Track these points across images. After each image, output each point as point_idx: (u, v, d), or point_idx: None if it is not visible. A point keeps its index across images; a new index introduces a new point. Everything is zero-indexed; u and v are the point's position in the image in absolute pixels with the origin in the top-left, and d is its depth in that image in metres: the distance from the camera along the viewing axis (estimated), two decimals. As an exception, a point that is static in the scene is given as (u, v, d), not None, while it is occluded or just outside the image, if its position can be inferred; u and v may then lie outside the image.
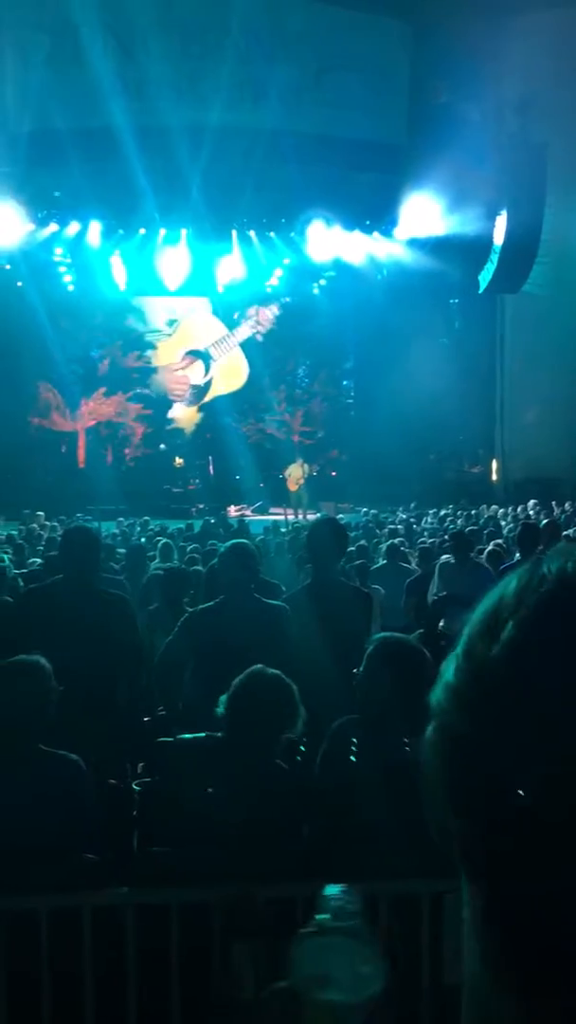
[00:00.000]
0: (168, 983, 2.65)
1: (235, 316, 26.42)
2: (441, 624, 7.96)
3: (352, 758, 2.94)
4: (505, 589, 0.60)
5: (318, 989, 0.93)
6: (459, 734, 0.58)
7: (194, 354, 26.67)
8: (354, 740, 2.97)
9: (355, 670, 3.02)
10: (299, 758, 3.47)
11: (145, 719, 4.77)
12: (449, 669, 0.61)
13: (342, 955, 0.93)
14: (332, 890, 0.96)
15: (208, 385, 26.90)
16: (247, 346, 26.37)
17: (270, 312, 26.18)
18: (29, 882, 2.72)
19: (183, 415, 27.23)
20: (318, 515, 20.84)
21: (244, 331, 26.55)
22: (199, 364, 26.78)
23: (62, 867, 2.83)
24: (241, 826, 2.79)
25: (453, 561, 8.01)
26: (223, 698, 3.03)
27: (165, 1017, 2.64)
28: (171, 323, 26.55)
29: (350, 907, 0.95)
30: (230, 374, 26.85)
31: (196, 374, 26.81)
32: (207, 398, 26.90)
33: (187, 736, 3.11)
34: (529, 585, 0.59)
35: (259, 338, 26.35)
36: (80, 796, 3.08)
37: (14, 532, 14.89)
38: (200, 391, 26.85)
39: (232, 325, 26.53)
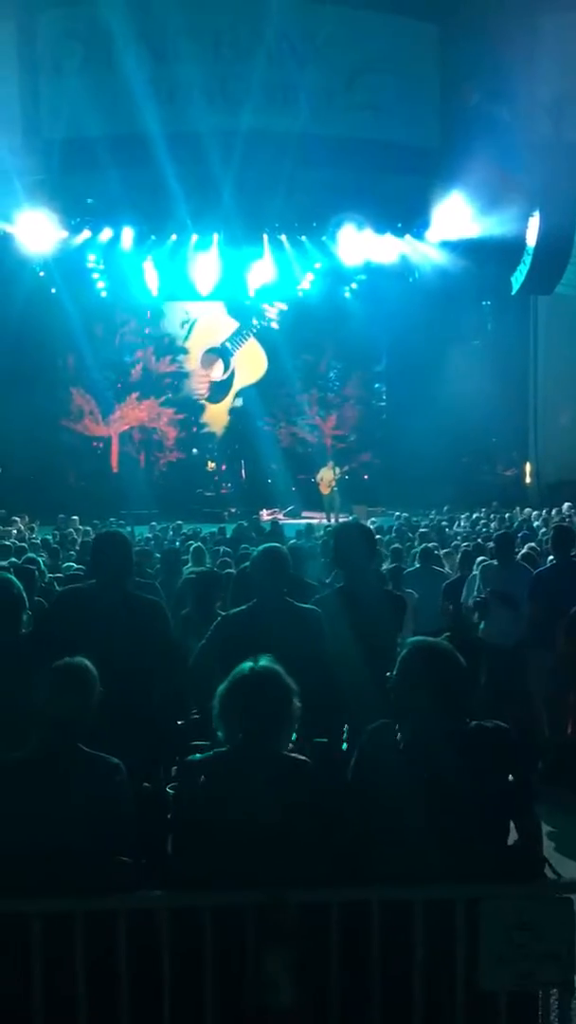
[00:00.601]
0: (202, 987, 2.65)
1: (253, 322, 26.60)
2: (481, 627, 7.92)
3: (386, 762, 2.92)
4: None
5: None
6: None
7: (213, 352, 26.87)
8: (388, 744, 2.95)
9: (388, 673, 3.01)
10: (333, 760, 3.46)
11: (180, 722, 4.78)
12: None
13: None
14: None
15: (230, 379, 27.03)
16: (276, 345, 26.36)
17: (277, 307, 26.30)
18: (66, 884, 2.74)
19: (215, 419, 27.34)
20: (351, 518, 20.85)
21: (256, 322, 26.71)
22: (219, 361, 26.97)
23: (98, 870, 2.84)
24: (271, 830, 2.78)
25: (496, 563, 7.97)
26: (216, 699, 3.05)
27: (199, 1021, 2.64)
28: (184, 323, 26.75)
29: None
30: (250, 365, 26.97)
31: (216, 371, 27.01)
32: (232, 392, 26.99)
33: (204, 755, 3.12)
34: None
35: (274, 326, 26.37)
36: (119, 799, 3.09)
37: (48, 537, 15.02)
38: (223, 386, 27.00)
39: (245, 320, 26.66)
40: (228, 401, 27.05)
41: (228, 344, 26.86)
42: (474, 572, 8.30)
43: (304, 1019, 2.57)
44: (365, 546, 4.75)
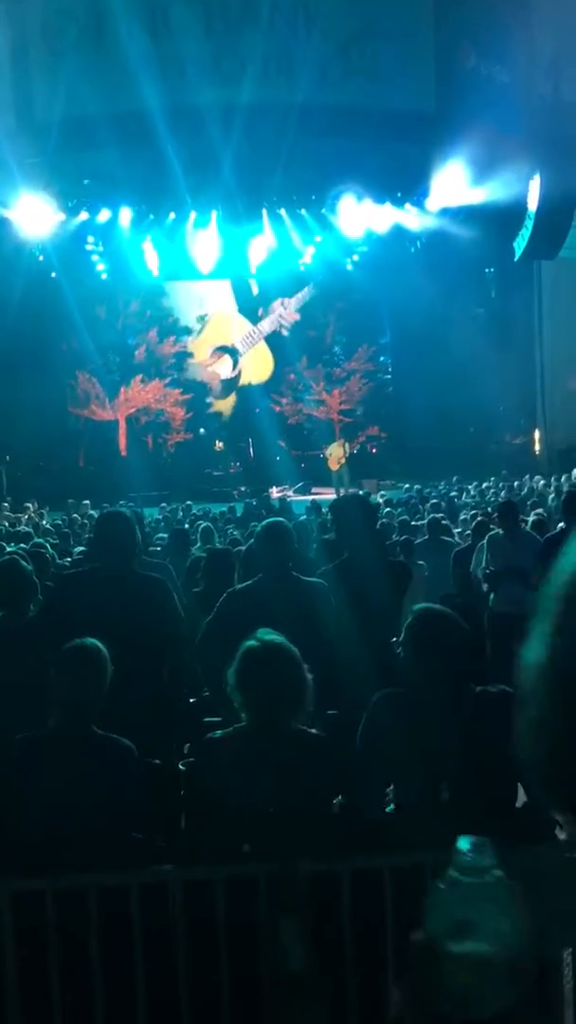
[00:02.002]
0: (217, 957, 2.67)
1: (259, 312, 26.59)
2: (491, 598, 7.91)
3: (393, 729, 2.93)
4: None
5: (456, 941, 0.90)
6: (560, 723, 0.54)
7: (222, 350, 26.95)
8: (394, 711, 2.95)
9: (394, 639, 3.00)
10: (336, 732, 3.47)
11: (191, 700, 4.80)
12: (535, 649, 0.56)
13: (481, 907, 0.90)
14: (464, 843, 0.92)
15: (237, 378, 27.18)
16: (276, 333, 26.42)
17: (294, 304, 26.28)
18: (79, 861, 2.76)
19: (223, 401, 27.40)
20: (360, 493, 20.81)
21: (267, 325, 26.75)
22: (227, 359, 27.02)
23: (111, 847, 2.86)
24: (279, 801, 2.79)
25: (501, 532, 7.92)
26: (230, 673, 3.04)
27: (215, 989, 2.66)
28: (201, 318, 26.80)
29: (486, 861, 0.91)
30: (257, 366, 27.27)
31: (225, 369, 27.08)
32: (235, 389, 27.20)
33: (220, 733, 3.11)
34: None
35: (284, 332, 26.46)
36: (131, 781, 3.11)
37: (59, 522, 15.07)
38: (229, 384, 27.14)
39: (256, 319, 26.67)
40: (232, 397, 27.18)
41: (238, 344, 26.94)
42: (482, 542, 8.27)
43: (318, 986, 2.59)
44: (363, 517, 4.73)
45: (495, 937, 0.89)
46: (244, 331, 27.04)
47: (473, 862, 0.92)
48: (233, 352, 27.09)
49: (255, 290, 26.76)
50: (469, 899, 0.90)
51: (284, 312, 26.45)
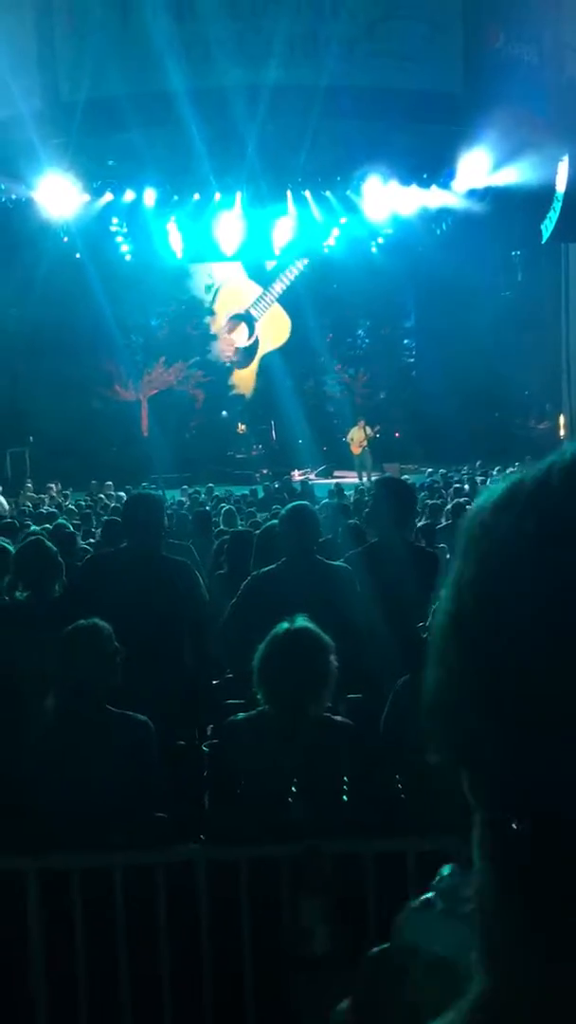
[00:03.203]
0: (240, 936, 2.70)
1: (268, 266, 26.32)
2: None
3: (417, 715, 2.93)
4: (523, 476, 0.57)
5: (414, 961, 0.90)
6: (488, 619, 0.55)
7: (237, 318, 26.81)
8: (418, 697, 2.95)
9: (421, 624, 3.00)
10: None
11: (215, 681, 4.83)
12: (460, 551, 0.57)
13: (451, 934, 0.90)
14: (447, 869, 0.92)
15: (255, 345, 26.99)
16: (303, 303, 26.21)
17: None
18: (101, 840, 2.79)
19: (243, 381, 27.31)
20: (383, 476, 20.75)
21: (279, 286, 26.57)
22: (243, 326, 26.90)
23: (133, 826, 2.89)
24: (302, 785, 2.81)
25: None
26: (256, 658, 3.04)
27: (238, 968, 2.69)
28: (208, 288, 26.64)
29: (465, 891, 0.91)
30: (274, 330, 26.99)
31: (241, 337, 26.96)
32: (257, 357, 27.00)
33: (245, 715, 3.12)
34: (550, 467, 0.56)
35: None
36: (147, 755, 3.13)
37: (82, 502, 15.15)
38: (248, 352, 26.98)
39: (266, 282, 26.52)
40: (254, 366, 27.01)
41: (252, 310, 26.78)
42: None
43: (340, 968, 2.61)
44: (396, 503, 4.70)
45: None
46: (256, 294, 26.90)
47: (451, 889, 0.91)
48: (249, 319, 26.96)
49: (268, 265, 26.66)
50: (438, 925, 0.89)
51: (293, 268, 26.30)
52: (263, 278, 26.65)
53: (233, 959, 2.69)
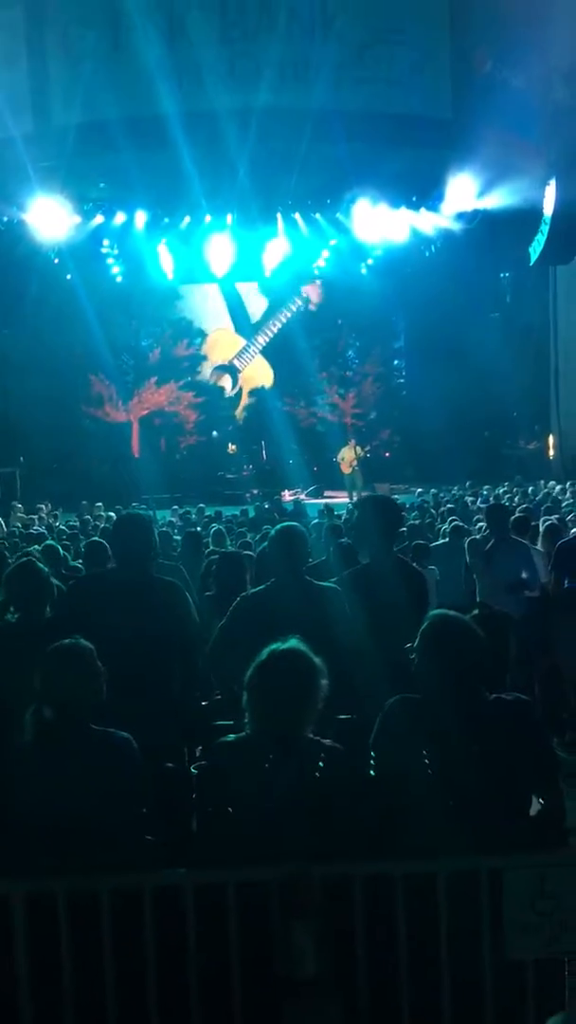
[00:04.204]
0: (228, 961, 2.68)
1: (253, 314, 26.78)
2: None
3: (406, 736, 2.93)
4: None
5: None
6: None
7: (221, 368, 27.43)
8: (408, 718, 2.96)
9: (408, 644, 3.01)
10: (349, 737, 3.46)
11: (203, 703, 4.81)
12: None
13: None
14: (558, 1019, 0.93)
15: (239, 395, 27.74)
16: (293, 325, 26.52)
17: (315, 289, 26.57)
18: (88, 862, 2.77)
19: (234, 401, 27.56)
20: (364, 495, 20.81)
21: (262, 339, 27.45)
22: (227, 377, 27.47)
23: (120, 848, 2.87)
24: (291, 807, 2.80)
25: (491, 539, 7.77)
26: (246, 679, 3.02)
27: (226, 993, 2.67)
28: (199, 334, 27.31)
29: None
30: (257, 379, 27.64)
31: (226, 386, 27.50)
32: (241, 405, 27.71)
33: (233, 737, 3.11)
34: None
35: (312, 307, 26.66)
36: (132, 772, 3.12)
37: (73, 523, 15.12)
38: (232, 402, 27.56)
39: (250, 333, 27.16)
40: (239, 410, 27.46)
41: (236, 361, 27.31)
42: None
43: (330, 991, 2.60)
44: (382, 521, 4.72)
45: None
46: (240, 347, 27.48)
47: None
48: (233, 370, 27.50)
49: (252, 305, 27.08)
50: None
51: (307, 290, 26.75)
52: (247, 331, 27.45)
53: (222, 983, 2.67)
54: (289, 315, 26.82)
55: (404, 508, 15.18)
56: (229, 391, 27.51)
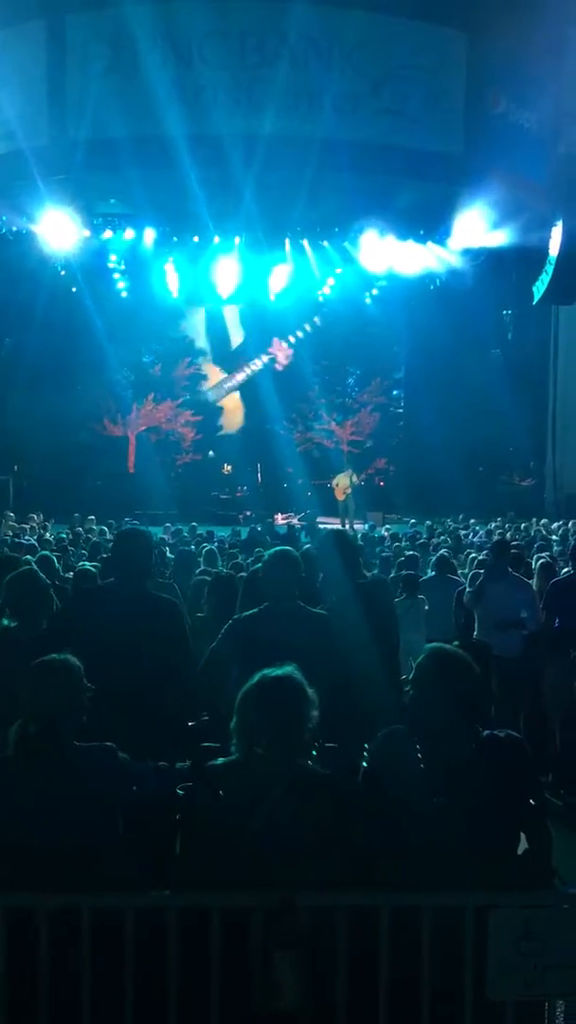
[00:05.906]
0: (208, 989, 2.64)
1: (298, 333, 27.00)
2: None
3: (399, 768, 2.91)
4: None
5: None
6: None
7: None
8: (401, 750, 2.94)
9: (404, 676, 3.00)
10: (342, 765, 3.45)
11: (190, 724, 4.78)
12: None
13: None
14: None
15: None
16: (295, 350, 26.74)
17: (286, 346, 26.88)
18: (68, 880, 2.74)
19: (233, 422, 27.61)
20: (365, 524, 20.82)
21: (240, 376, 27.77)
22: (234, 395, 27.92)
23: (95, 868, 2.84)
24: (278, 834, 2.78)
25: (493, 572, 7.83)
26: (236, 704, 3.01)
27: (206, 1020, 2.64)
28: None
29: None
30: (229, 416, 28.04)
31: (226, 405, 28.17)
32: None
33: (223, 760, 3.09)
34: None
35: (279, 367, 27.02)
36: (112, 791, 3.09)
37: (64, 535, 15.08)
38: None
39: (231, 368, 27.38)
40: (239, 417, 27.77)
41: (211, 394, 27.57)
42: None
43: (311, 1023, 2.57)
44: (344, 562, 4.76)
45: None
46: (217, 380, 27.77)
47: None
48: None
49: (235, 338, 27.29)
50: None
51: (277, 349, 26.99)
52: (228, 363, 27.88)
53: (201, 1011, 2.64)
54: (258, 367, 27.16)
55: (396, 538, 15.20)
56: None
